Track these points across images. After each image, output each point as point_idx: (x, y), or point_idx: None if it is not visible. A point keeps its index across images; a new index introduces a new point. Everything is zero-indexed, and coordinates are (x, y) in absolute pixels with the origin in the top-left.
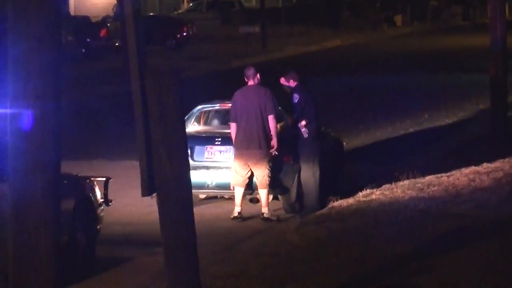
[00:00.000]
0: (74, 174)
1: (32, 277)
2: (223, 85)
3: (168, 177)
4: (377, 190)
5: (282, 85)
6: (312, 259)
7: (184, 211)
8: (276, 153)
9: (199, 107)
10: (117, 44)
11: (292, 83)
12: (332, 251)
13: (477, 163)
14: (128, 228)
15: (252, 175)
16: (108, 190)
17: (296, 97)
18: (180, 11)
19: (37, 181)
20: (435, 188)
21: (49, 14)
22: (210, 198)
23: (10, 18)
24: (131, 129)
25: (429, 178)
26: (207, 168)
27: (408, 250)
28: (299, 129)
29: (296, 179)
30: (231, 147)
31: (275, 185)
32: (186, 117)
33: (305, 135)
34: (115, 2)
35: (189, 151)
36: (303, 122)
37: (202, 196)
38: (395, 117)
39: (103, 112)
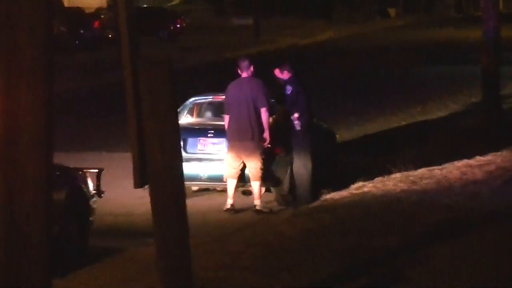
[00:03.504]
0: (66, 165)
1: (23, 268)
2: (216, 77)
3: (160, 169)
4: (369, 183)
5: (276, 76)
6: (304, 250)
7: (176, 203)
8: (269, 145)
9: (192, 99)
10: (110, 35)
11: (286, 75)
12: (323, 243)
13: (469, 156)
14: (120, 219)
15: (244, 167)
16: (101, 181)
17: (289, 89)
18: (173, 2)
19: (28, 172)
20: (427, 181)
21: (41, 4)
22: (203, 190)
23: (2, 8)
24: (123, 120)
25: (421, 171)
26: (200, 160)
27: (400, 242)
28: (291, 121)
29: (288, 171)
30: (224, 139)
31: (267, 177)
32: (179, 109)
33: (298, 127)
34: None
35: (182, 143)
36: (296, 115)
37: (195, 188)
38: (387, 109)
39: (96, 103)
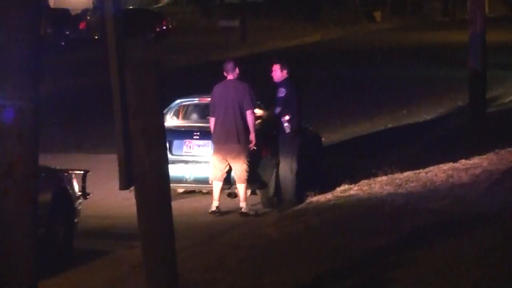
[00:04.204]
0: (52, 166)
1: (9, 270)
2: (202, 79)
3: (146, 170)
4: (355, 186)
5: (273, 71)
6: (290, 252)
7: (162, 205)
8: (255, 148)
9: (178, 101)
10: (96, 37)
11: (284, 74)
12: (309, 245)
13: (455, 159)
14: (106, 221)
15: (230, 170)
16: (86, 183)
17: (282, 91)
18: (160, 4)
19: (15, 173)
20: (413, 184)
21: (29, 7)
22: (188, 192)
23: None
24: (110, 121)
25: (407, 174)
26: (186, 162)
27: (385, 245)
28: (281, 124)
29: (274, 173)
30: (210, 141)
31: (253, 180)
32: (165, 111)
33: (287, 130)
34: None
35: (167, 145)
36: (286, 117)
37: (181, 190)
38: (373, 112)
39: (82, 105)
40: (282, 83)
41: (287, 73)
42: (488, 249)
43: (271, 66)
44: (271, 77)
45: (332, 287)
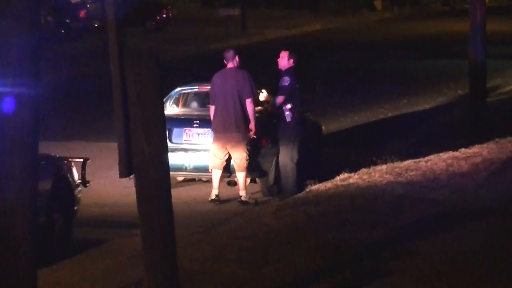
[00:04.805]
0: (52, 154)
1: (8, 258)
2: (202, 68)
3: (146, 159)
4: (355, 174)
5: (280, 57)
6: (289, 242)
7: (161, 193)
8: (254, 136)
9: (178, 89)
10: (96, 25)
11: (291, 63)
12: (309, 235)
13: (455, 148)
14: (105, 210)
15: (230, 158)
16: (86, 171)
17: (287, 80)
18: None
19: (15, 161)
20: (413, 172)
21: None
22: (188, 181)
23: None
24: (110, 110)
25: (407, 162)
26: (185, 150)
27: (385, 236)
28: (282, 112)
29: (274, 162)
30: (209, 129)
31: (253, 168)
32: (165, 99)
33: (288, 119)
34: None
35: (167, 133)
36: (288, 106)
37: (180, 178)
38: (373, 101)
39: (82, 93)
40: (287, 72)
41: (294, 62)
42: (487, 242)
43: (279, 52)
44: (277, 63)
45: (331, 278)
